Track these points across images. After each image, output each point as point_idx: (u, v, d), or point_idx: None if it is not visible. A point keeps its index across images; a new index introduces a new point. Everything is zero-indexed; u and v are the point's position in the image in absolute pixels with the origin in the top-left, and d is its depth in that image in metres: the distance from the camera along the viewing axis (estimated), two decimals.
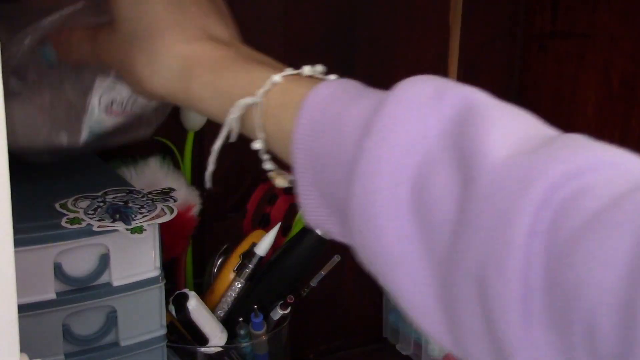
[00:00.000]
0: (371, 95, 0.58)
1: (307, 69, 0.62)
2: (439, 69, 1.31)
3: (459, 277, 0.48)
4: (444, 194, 0.50)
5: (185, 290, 1.01)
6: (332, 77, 0.63)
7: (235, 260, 1.06)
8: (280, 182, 0.64)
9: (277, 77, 0.61)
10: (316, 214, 0.60)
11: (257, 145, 0.61)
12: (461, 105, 0.53)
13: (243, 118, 0.62)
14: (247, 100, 0.61)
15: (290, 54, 1.19)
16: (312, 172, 0.58)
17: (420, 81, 0.57)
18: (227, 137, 0.63)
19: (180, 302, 1.00)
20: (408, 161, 0.51)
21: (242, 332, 1.06)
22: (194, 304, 1.00)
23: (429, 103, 0.54)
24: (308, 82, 0.61)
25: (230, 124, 0.62)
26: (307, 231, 1.04)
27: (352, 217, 0.54)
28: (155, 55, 0.64)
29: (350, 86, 0.61)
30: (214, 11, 0.69)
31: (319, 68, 0.63)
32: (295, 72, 0.62)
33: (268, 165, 0.62)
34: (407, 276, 0.52)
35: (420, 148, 0.52)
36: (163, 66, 0.64)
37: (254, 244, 1.06)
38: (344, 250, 1.27)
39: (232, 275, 1.06)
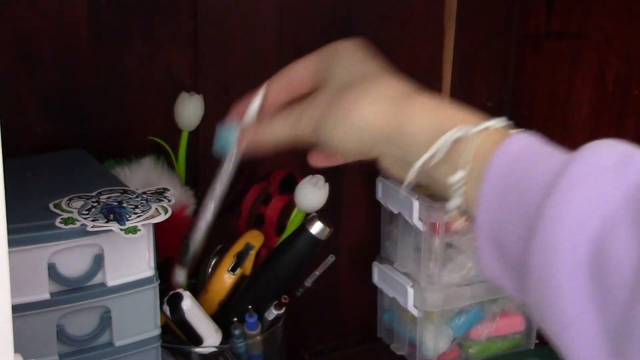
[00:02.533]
0: (557, 155, 0.59)
1: (497, 122, 0.64)
2: (434, 69, 1.31)
3: (634, 343, 0.49)
4: (624, 259, 0.50)
5: (180, 290, 1.01)
6: (508, 125, 0.64)
7: (229, 260, 1.06)
8: (459, 224, 0.64)
9: (492, 122, 0.63)
10: (491, 267, 0.60)
11: (457, 177, 0.62)
12: None
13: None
14: (469, 129, 0.63)
15: (284, 53, 1.19)
16: (493, 227, 0.58)
17: (607, 145, 0.58)
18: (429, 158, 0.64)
19: (174, 302, 0.99)
20: (589, 224, 0.52)
21: (236, 332, 1.06)
22: (189, 304, 1.00)
23: (614, 168, 0.54)
24: (500, 134, 0.62)
25: (440, 147, 0.63)
26: (301, 231, 1.04)
27: (529, 275, 0.55)
28: (372, 85, 0.69)
29: (537, 143, 0.61)
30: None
31: (503, 122, 0.64)
32: (501, 124, 0.64)
33: (457, 202, 0.62)
34: (579, 337, 0.52)
35: (603, 211, 0.52)
36: (379, 94, 0.69)
37: (248, 244, 1.06)
38: (339, 251, 1.27)
39: (226, 275, 1.06)
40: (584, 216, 0.52)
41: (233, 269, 1.06)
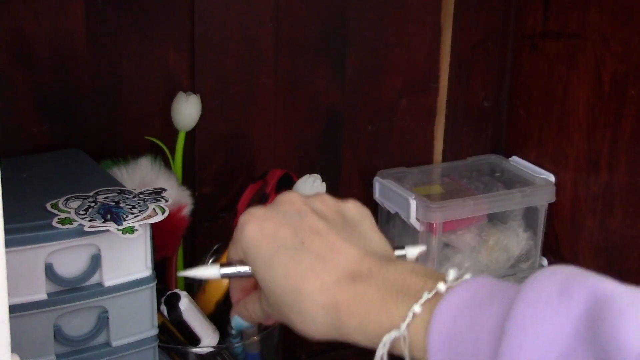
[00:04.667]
0: (500, 297, 0.58)
1: (442, 286, 0.62)
2: (431, 69, 1.31)
3: None
4: None
5: (177, 290, 1.00)
6: (467, 276, 0.62)
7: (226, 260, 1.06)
8: None
9: (417, 308, 0.61)
10: None
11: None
12: (590, 300, 0.54)
13: (393, 345, 0.63)
14: (392, 335, 0.62)
15: (281, 54, 1.19)
16: None
17: (546, 277, 0.56)
18: None
19: (172, 303, 0.99)
20: None
21: (234, 331, 1.06)
22: (186, 305, 1.00)
23: (557, 301, 0.54)
24: (428, 307, 0.61)
25: (381, 356, 0.64)
26: None
27: None
28: (304, 312, 0.68)
29: (478, 291, 0.60)
30: (348, 239, 0.70)
31: (452, 275, 0.62)
32: (432, 294, 0.62)
33: None
34: None
35: (555, 349, 0.52)
36: (313, 319, 0.68)
37: None
38: None
39: None
40: (537, 357, 0.53)
41: None
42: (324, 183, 1.06)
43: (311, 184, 1.06)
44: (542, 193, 1.27)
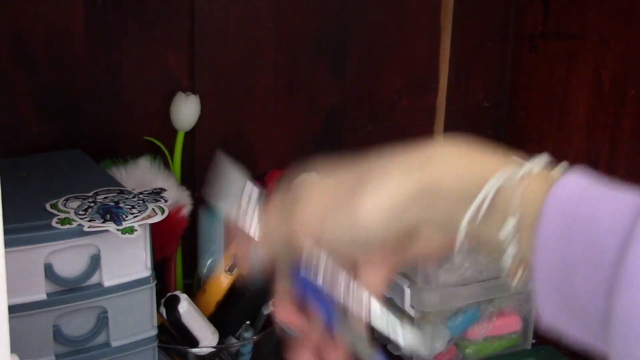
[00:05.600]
0: (623, 196, 0.53)
1: (536, 163, 0.57)
2: (431, 69, 1.31)
3: None
4: None
5: (177, 292, 1.00)
6: (562, 170, 0.57)
7: (226, 260, 1.06)
8: (518, 278, 0.58)
9: (533, 165, 0.56)
10: (555, 316, 0.55)
11: (508, 226, 0.55)
12: None
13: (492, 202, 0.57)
14: (511, 175, 0.56)
15: (281, 54, 1.19)
16: (556, 274, 0.53)
17: None
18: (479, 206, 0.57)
19: (171, 305, 0.99)
20: None
21: (246, 334, 1.06)
22: (185, 307, 0.99)
23: None
24: (545, 176, 0.56)
25: (484, 198, 0.56)
26: None
27: (613, 326, 0.50)
28: (386, 167, 0.60)
29: (593, 182, 0.55)
30: None
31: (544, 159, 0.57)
32: (540, 165, 0.57)
33: (511, 252, 0.56)
34: None
35: None
36: (394, 170, 0.60)
37: None
38: None
39: (223, 275, 1.06)
40: None
41: (230, 270, 1.06)
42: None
43: None
44: None
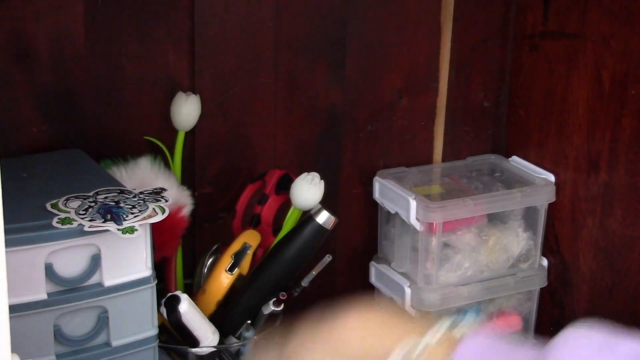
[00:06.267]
0: (522, 352, 0.56)
1: (438, 329, 0.61)
2: (431, 69, 1.31)
3: None
4: None
5: (177, 292, 1.00)
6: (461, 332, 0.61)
7: (227, 260, 1.06)
8: None
9: (433, 334, 0.61)
10: None
11: None
12: (631, 355, 0.51)
13: None
14: (411, 349, 0.61)
15: (281, 54, 1.19)
16: None
17: (580, 335, 0.54)
18: None
19: (171, 305, 0.99)
20: None
21: (247, 334, 1.06)
22: (186, 307, 0.99)
23: (600, 355, 0.52)
24: (447, 340, 0.60)
25: None
26: (308, 220, 1.04)
27: None
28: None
29: (489, 343, 0.58)
30: None
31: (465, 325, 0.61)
32: (439, 333, 0.60)
33: None
34: None
35: None
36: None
37: (245, 244, 1.06)
38: (336, 251, 1.27)
39: (224, 275, 1.06)
40: None
41: (231, 269, 1.06)
42: (322, 181, 1.06)
43: (309, 182, 1.06)
44: (542, 193, 1.27)
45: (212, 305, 1.06)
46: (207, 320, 1.03)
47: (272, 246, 1.07)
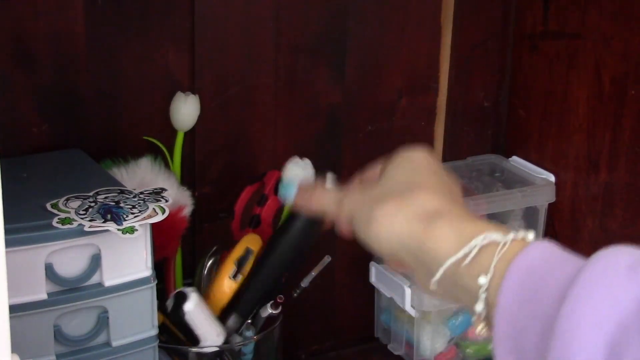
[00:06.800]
0: (572, 261, 0.60)
1: (522, 233, 0.64)
2: (431, 69, 1.31)
3: None
4: None
5: (187, 288, 1.00)
6: (530, 236, 0.64)
7: (230, 266, 1.05)
8: (480, 329, 0.64)
9: (518, 234, 0.64)
10: None
11: (480, 282, 0.62)
12: None
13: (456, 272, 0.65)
14: (496, 236, 0.64)
15: (281, 54, 1.19)
16: (511, 334, 0.60)
17: (617, 252, 0.58)
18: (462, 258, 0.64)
19: (178, 302, 0.99)
20: (602, 329, 0.54)
21: (247, 333, 1.06)
22: (191, 306, 0.99)
23: (625, 275, 0.55)
24: (522, 245, 0.63)
25: (468, 251, 0.64)
26: (296, 216, 1.02)
27: None
28: (407, 201, 0.70)
29: (554, 251, 0.63)
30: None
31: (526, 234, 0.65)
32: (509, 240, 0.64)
33: (479, 307, 0.63)
34: None
35: (615, 317, 0.54)
36: (410, 211, 0.69)
37: (248, 249, 1.06)
38: (336, 250, 1.27)
39: (228, 282, 1.05)
40: (596, 322, 0.54)
41: (234, 276, 1.05)
42: (308, 161, 1.07)
43: (302, 167, 1.05)
44: (542, 193, 1.27)
45: (216, 312, 1.05)
46: (214, 321, 1.02)
47: (269, 239, 1.06)
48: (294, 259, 1.04)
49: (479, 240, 0.64)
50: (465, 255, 0.64)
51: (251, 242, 1.07)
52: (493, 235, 0.64)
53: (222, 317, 1.05)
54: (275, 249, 1.02)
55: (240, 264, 1.05)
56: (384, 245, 0.71)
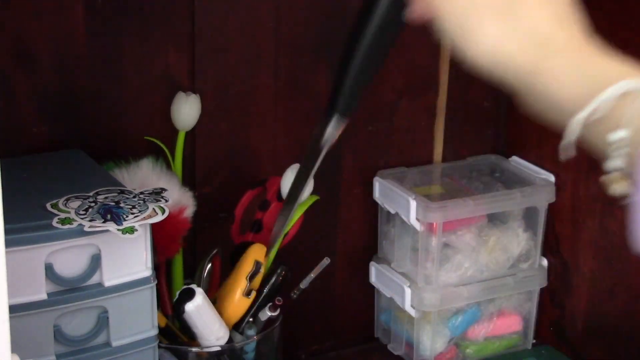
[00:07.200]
0: None
1: None
2: (431, 69, 1.31)
3: None
4: None
5: (193, 286, 1.00)
6: None
7: (241, 282, 1.04)
8: (620, 187, 0.58)
9: None
10: None
11: (619, 135, 0.55)
12: None
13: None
14: (630, 84, 0.55)
15: (281, 54, 1.19)
16: None
17: None
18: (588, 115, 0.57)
19: (182, 299, 0.99)
20: None
21: (250, 332, 1.06)
22: (193, 306, 0.99)
23: None
24: None
25: (604, 101, 0.55)
26: None
27: None
28: (517, 15, 0.60)
29: None
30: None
31: None
32: None
33: (617, 163, 0.57)
34: None
35: None
36: (520, 29, 0.60)
37: (257, 263, 1.06)
38: (336, 251, 1.27)
39: (242, 300, 1.05)
40: None
41: (248, 293, 1.05)
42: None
43: (293, 171, 1.05)
44: (542, 193, 1.27)
45: (229, 327, 1.05)
46: (218, 322, 1.02)
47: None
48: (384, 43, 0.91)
49: (617, 89, 0.55)
50: (601, 106, 0.55)
51: (258, 254, 1.06)
52: (627, 83, 0.55)
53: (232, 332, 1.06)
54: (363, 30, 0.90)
55: (251, 279, 1.05)
56: (482, 59, 0.61)
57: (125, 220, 0.86)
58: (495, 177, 1.34)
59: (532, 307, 1.31)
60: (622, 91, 0.55)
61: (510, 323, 1.31)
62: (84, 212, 0.87)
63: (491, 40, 0.60)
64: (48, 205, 0.88)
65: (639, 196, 0.54)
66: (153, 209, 0.89)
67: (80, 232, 0.85)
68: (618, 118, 0.55)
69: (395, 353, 1.33)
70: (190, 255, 1.16)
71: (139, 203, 0.90)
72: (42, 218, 0.86)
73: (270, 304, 1.06)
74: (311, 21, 1.21)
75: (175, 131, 1.10)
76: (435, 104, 1.33)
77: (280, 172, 1.09)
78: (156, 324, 0.95)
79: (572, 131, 0.58)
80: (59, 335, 0.88)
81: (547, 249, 1.30)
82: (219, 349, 1.03)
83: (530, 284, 1.29)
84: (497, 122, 1.37)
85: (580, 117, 0.57)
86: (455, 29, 0.62)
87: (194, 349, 1.03)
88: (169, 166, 1.09)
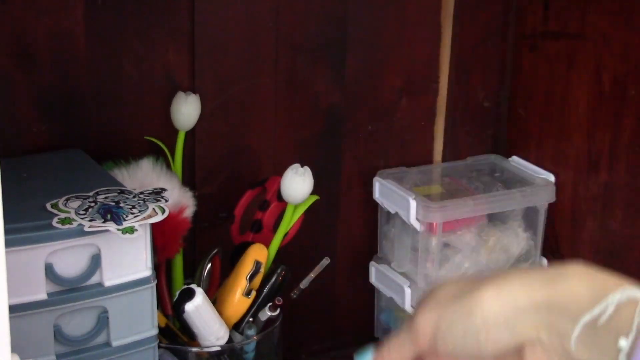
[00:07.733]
0: None
1: None
2: (431, 69, 1.31)
3: None
4: None
5: (193, 286, 1.00)
6: None
7: (241, 282, 1.04)
8: None
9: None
10: None
11: (620, 344, 0.55)
12: None
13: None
14: (633, 292, 0.56)
15: (281, 54, 1.19)
16: None
17: None
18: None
19: (182, 299, 0.99)
20: None
21: (249, 332, 1.06)
22: (193, 307, 0.99)
23: None
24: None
25: (607, 307, 0.56)
26: None
27: None
28: (507, 277, 0.61)
29: None
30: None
31: None
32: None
33: None
34: None
35: None
36: (516, 280, 0.60)
37: (257, 262, 1.06)
38: (336, 251, 1.27)
39: (242, 299, 1.05)
40: None
41: (247, 293, 1.05)
42: (308, 169, 1.06)
43: (302, 174, 1.05)
44: (542, 193, 1.27)
45: (229, 326, 1.05)
46: (218, 322, 1.02)
47: None
48: None
49: (617, 296, 0.56)
50: (602, 313, 0.56)
51: (258, 254, 1.06)
52: (630, 290, 0.56)
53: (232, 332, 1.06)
54: None
55: (251, 279, 1.05)
56: (501, 320, 0.59)
57: (125, 220, 0.86)
58: (495, 177, 1.34)
59: None
60: (623, 299, 0.56)
61: None
62: (84, 212, 0.87)
63: (499, 302, 0.60)
64: (48, 205, 0.88)
65: None
66: (153, 209, 0.89)
67: (80, 232, 0.85)
68: (618, 327, 0.56)
69: None
70: (190, 255, 1.16)
71: (139, 203, 0.90)
72: (42, 218, 0.86)
73: (270, 304, 1.06)
74: (311, 21, 1.21)
75: (175, 131, 1.11)
76: (435, 104, 1.33)
77: (280, 172, 1.09)
78: (156, 323, 0.94)
79: (577, 330, 0.58)
80: (59, 335, 0.88)
81: (547, 249, 1.30)
82: (219, 349, 1.03)
83: None
84: (497, 122, 1.38)
85: (586, 318, 0.57)
86: (457, 325, 0.62)
87: (194, 349, 1.03)
88: (169, 166, 1.09)
